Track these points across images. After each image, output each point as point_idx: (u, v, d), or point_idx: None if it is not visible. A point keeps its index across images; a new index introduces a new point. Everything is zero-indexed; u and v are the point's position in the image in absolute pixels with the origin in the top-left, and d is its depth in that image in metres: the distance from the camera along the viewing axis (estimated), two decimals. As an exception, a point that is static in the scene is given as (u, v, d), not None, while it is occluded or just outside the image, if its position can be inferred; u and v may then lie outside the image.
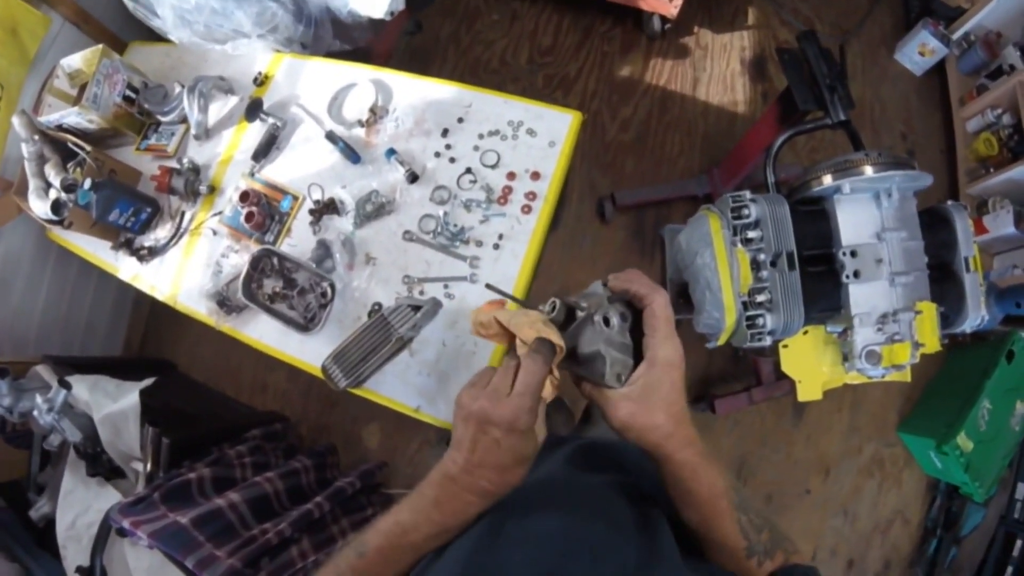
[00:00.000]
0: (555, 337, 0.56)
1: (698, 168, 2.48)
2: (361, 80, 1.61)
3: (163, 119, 1.68)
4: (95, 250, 1.64)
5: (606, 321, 0.57)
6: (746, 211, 1.28)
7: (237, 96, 1.70)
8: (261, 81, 1.69)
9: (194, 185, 1.59)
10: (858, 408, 2.30)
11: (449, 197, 1.45)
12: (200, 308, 1.51)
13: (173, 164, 1.61)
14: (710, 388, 2.26)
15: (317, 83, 1.65)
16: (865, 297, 1.29)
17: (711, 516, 0.59)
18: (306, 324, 1.40)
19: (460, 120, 1.52)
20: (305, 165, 1.58)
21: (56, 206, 1.50)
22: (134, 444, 1.47)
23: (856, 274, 1.27)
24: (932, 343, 1.30)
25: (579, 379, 0.60)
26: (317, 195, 1.52)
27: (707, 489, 0.58)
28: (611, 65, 2.66)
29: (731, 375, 2.29)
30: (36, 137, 1.51)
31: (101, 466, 1.48)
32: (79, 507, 1.41)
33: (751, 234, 1.28)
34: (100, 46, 1.57)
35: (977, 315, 1.35)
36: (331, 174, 1.55)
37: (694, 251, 1.34)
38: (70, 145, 1.54)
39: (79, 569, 1.35)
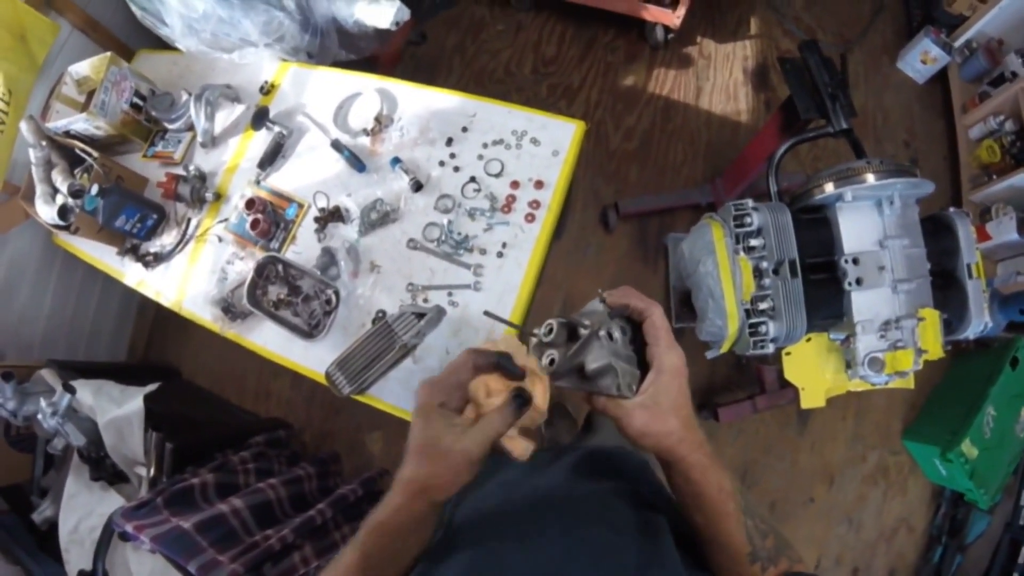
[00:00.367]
0: (535, 379, 0.58)
1: (701, 177, 2.49)
2: (366, 89, 1.62)
3: (170, 126, 1.70)
4: (101, 255, 1.66)
5: (610, 336, 0.59)
6: (748, 219, 1.29)
7: (243, 104, 1.71)
8: (267, 90, 1.71)
9: (200, 192, 1.61)
10: (862, 416, 2.29)
11: (453, 206, 1.46)
12: (205, 314, 1.52)
13: (179, 171, 1.63)
14: (714, 396, 2.25)
15: (323, 92, 1.67)
16: (868, 304, 1.30)
17: (718, 518, 0.59)
18: (310, 331, 1.41)
19: (464, 129, 1.53)
20: (310, 173, 1.59)
21: (63, 211, 1.52)
22: (138, 449, 1.48)
23: (858, 281, 1.28)
24: (935, 350, 1.31)
25: (589, 394, 0.61)
26: (322, 203, 1.53)
27: (715, 490, 0.59)
28: (615, 75, 2.68)
29: (735, 383, 2.29)
30: (44, 143, 1.53)
31: (104, 470, 1.48)
32: (82, 511, 1.42)
33: (753, 242, 1.29)
34: (108, 53, 1.59)
35: (980, 321, 1.36)
36: (336, 182, 1.56)
37: (697, 259, 1.35)
38: (77, 151, 1.56)
39: (81, 573, 1.35)
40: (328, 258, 1.47)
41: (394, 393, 1.35)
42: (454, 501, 0.80)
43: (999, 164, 2.21)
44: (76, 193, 1.51)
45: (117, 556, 1.36)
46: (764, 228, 1.29)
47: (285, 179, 1.61)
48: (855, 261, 1.29)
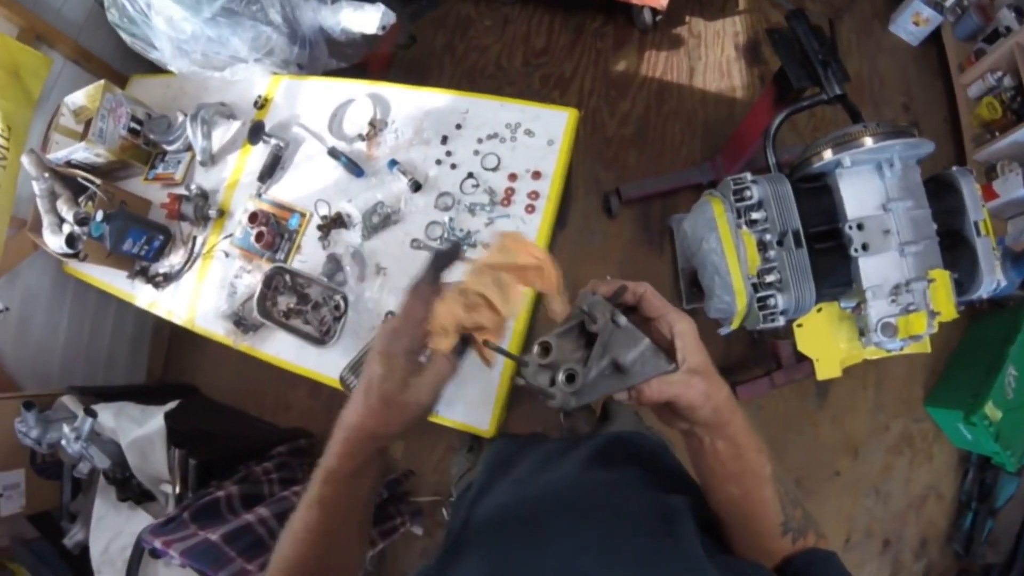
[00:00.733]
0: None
1: (701, 156, 2.47)
2: (358, 95, 1.63)
3: (169, 148, 1.72)
4: (111, 280, 1.68)
5: (626, 320, 0.57)
6: (748, 193, 1.28)
7: (239, 120, 1.73)
8: (261, 104, 1.73)
9: (203, 210, 1.63)
10: (882, 385, 2.27)
11: (453, 203, 1.47)
12: (218, 329, 1.53)
13: (182, 191, 1.65)
14: (731, 375, 2.24)
15: (316, 101, 1.68)
16: (876, 269, 1.29)
17: (757, 483, 0.58)
18: (322, 337, 1.42)
19: (458, 126, 1.54)
20: (310, 182, 1.60)
21: (70, 240, 1.54)
22: (162, 467, 1.50)
23: (864, 247, 1.27)
24: (948, 311, 1.29)
25: (629, 389, 0.56)
26: (324, 211, 1.55)
27: (756, 452, 0.57)
28: (606, 61, 2.67)
29: (751, 360, 2.27)
30: (46, 174, 1.55)
31: (131, 490, 1.50)
32: (111, 532, 1.44)
33: (755, 215, 1.28)
34: (102, 81, 1.61)
35: (992, 279, 1.34)
36: (336, 189, 1.57)
37: (699, 237, 1.34)
38: (80, 180, 1.58)
39: (115, 593, 1.38)
40: (334, 264, 1.48)
41: (408, 393, 1.35)
42: (470, 500, 0.81)
43: (1001, 121, 2.17)
44: (82, 221, 1.53)
45: (148, 573, 1.38)
46: (765, 200, 1.28)
47: (286, 190, 1.62)
48: (859, 227, 1.28)
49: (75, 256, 1.56)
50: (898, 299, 1.30)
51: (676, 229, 2.23)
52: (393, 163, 1.51)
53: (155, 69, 1.81)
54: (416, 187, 1.49)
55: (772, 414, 2.24)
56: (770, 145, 1.46)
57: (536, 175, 1.44)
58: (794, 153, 2.02)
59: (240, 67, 1.71)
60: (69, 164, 1.63)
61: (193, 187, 1.64)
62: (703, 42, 2.66)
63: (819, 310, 1.42)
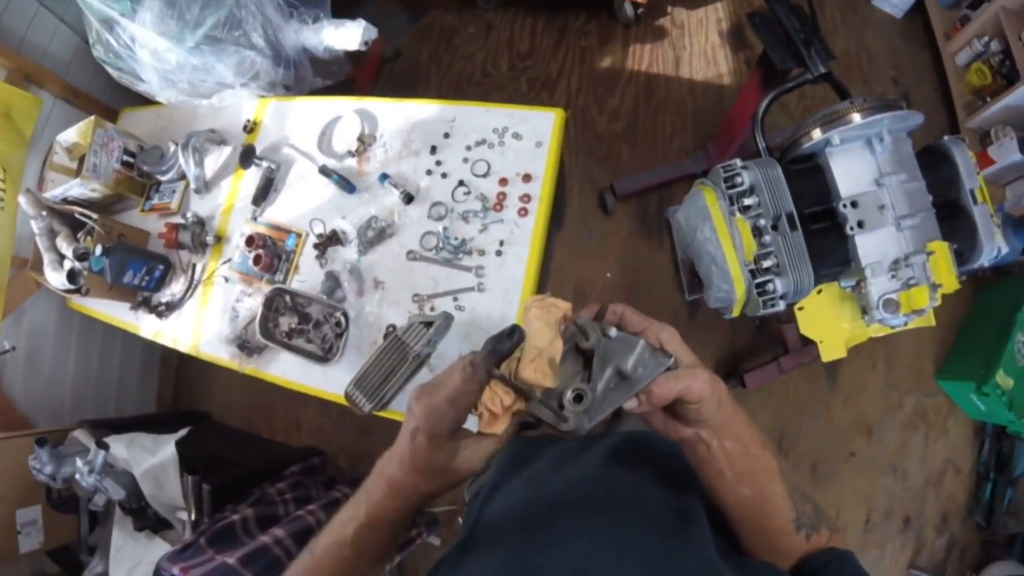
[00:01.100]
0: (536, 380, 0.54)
1: (693, 146, 2.47)
2: (345, 112, 1.64)
3: (162, 178, 1.73)
4: (115, 313, 1.70)
5: (612, 331, 0.57)
6: (739, 179, 1.28)
7: (230, 146, 1.74)
8: (250, 128, 1.74)
9: (201, 237, 1.64)
10: (892, 362, 2.25)
11: (446, 212, 1.47)
12: (223, 354, 1.54)
13: (178, 220, 1.66)
14: (738, 364, 2.23)
15: (304, 121, 1.69)
16: (873, 246, 1.28)
17: (767, 479, 0.57)
18: (325, 355, 1.43)
19: (446, 135, 1.54)
20: (304, 202, 1.61)
21: (72, 275, 1.56)
22: (176, 494, 1.51)
23: (860, 224, 1.26)
24: (950, 282, 1.28)
25: (637, 394, 0.56)
26: (319, 229, 1.56)
27: (760, 447, 0.57)
28: (591, 59, 2.67)
29: (757, 348, 2.26)
30: (44, 213, 1.57)
31: (147, 519, 1.51)
32: (131, 562, 1.45)
33: (747, 201, 1.28)
34: (92, 117, 1.63)
35: (992, 247, 1.33)
36: (330, 207, 1.58)
37: (694, 227, 1.34)
38: (77, 215, 1.60)
39: (139, 623, 1.39)
40: (332, 282, 1.49)
41: (415, 404, 1.36)
42: (482, 500, 0.80)
43: (991, 86, 2.16)
44: (82, 256, 1.54)
45: (171, 601, 1.39)
46: (756, 185, 1.28)
47: (280, 211, 1.63)
48: (854, 204, 1.27)
49: (77, 291, 1.58)
50: (898, 274, 1.29)
51: (673, 221, 2.23)
52: (384, 177, 1.51)
53: (144, 101, 1.83)
54: (408, 199, 1.50)
55: (783, 400, 2.23)
56: (758, 129, 1.46)
57: (527, 178, 1.45)
58: (787, 136, 2.02)
59: (227, 93, 1.72)
60: (66, 201, 1.65)
61: (189, 215, 1.65)
62: (687, 31, 2.66)
63: (819, 292, 1.42)
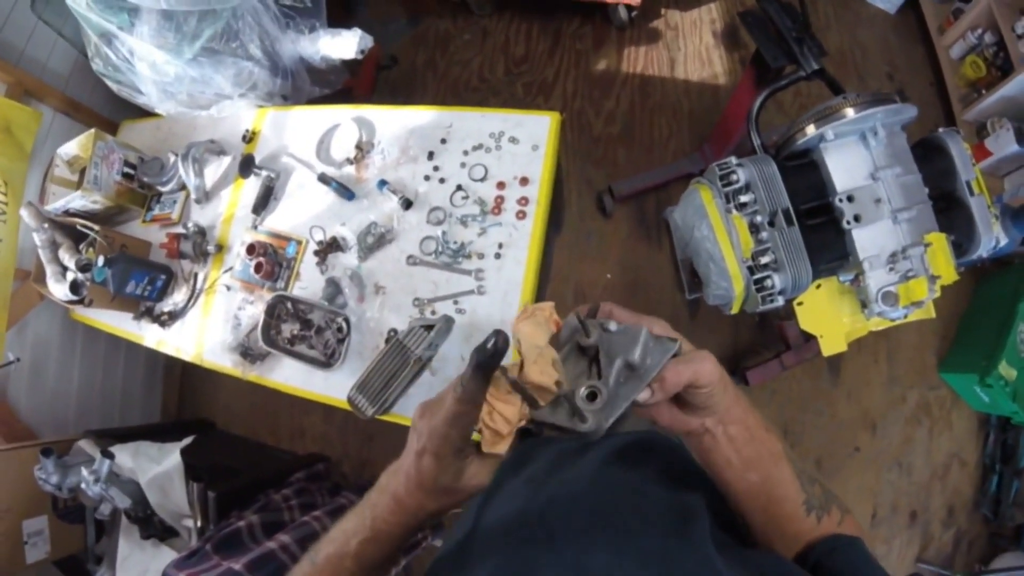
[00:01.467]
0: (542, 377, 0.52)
1: (689, 147, 2.48)
2: (343, 120, 1.65)
3: (163, 189, 1.75)
4: (118, 323, 1.71)
5: (611, 325, 0.57)
6: (734, 176, 1.29)
7: (229, 155, 1.76)
8: (249, 138, 1.75)
9: (202, 246, 1.65)
10: (894, 356, 2.25)
11: (445, 216, 1.48)
12: (225, 362, 1.55)
13: (179, 230, 1.68)
14: (740, 361, 2.23)
15: (302, 130, 1.71)
16: (870, 240, 1.28)
17: (774, 466, 0.57)
18: (327, 360, 1.44)
19: (443, 141, 1.56)
20: (303, 210, 1.63)
21: (75, 287, 1.57)
22: (182, 502, 1.51)
23: (857, 218, 1.27)
24: (948, 273, 1.29)
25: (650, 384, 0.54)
26: (319, 236, 1.57)
27: (765, 431, 0.58)
28: (587, 62, 2.68)
29: (759, 344, 2.26)
30: (45, 225, 1.58)
31: (154, 528, 1.52)
32: (138, 570, 1.46)
33: (744, 198, 1.28)
34: (93, 130, 1.64)
35: (990, 238, 1.33)
36: (329, 214, 1.59)
37: (691, 226, 1.35)
38: (79, 227, 1.61)
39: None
40: (333, 288, 1.50)
41: (417, 408, 1.36)
42: (480, 500, 0.80)
43: (986, 78, 2.16)
44: (84, 267, 1.56)
45: (178, 609, 1.39)
46: (752, 182, 1.29)
47: (280, 220, 1.64)
48: (850, 199, 1.28)
49: (80, 302, 1.59)
50: (896, 267, 1.29)
51: (671, 221, 2.23)
52: (383, 183, 1.52)
53: (144, 113, 1.85)
54: (407, 205, 1.51)
55: (786, 397, 2.23)
56: (753, 127, 1.47)
57: (524, 181, 1.46)
58: (782, 133, 2.03)
59: (226, 104, 1.74)
60: (67, 213, 1.66)
61: (190, 225, 1.67)
62: (681, 33, 2.67)
63: (818, 286, 1.42)
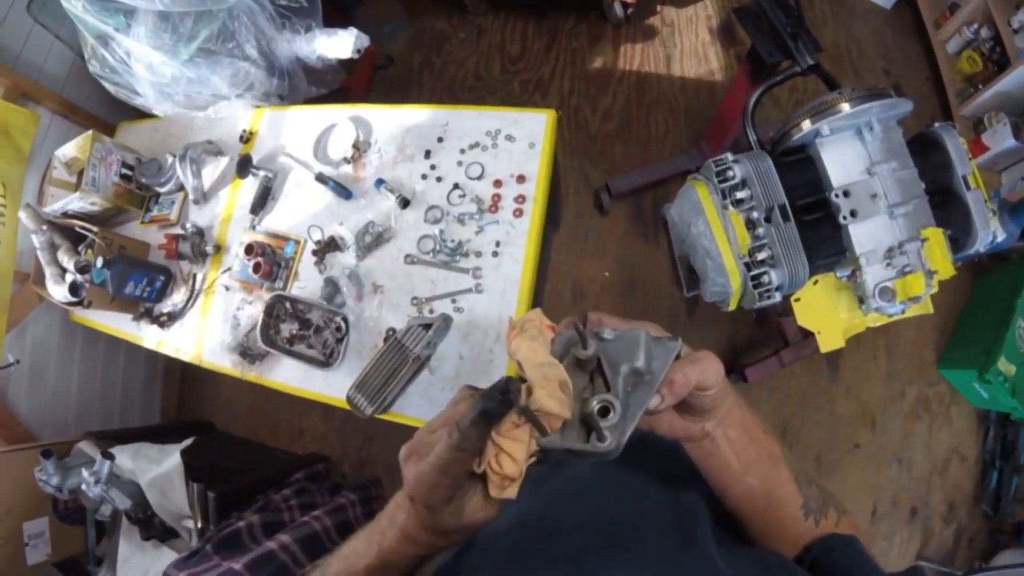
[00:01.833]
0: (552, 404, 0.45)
1: (686, 143, 2.48)
2: (340, 119, 1.65)
3: (161, 190, 1.75)
4: (118, 324, 1.71)
5: (607, 332, 0.53)
6: (730, 173, 1.29)
7: (227, 156, 1.76)
8: (247, 138, 1.75)
9: (200, 247, 1.65)
10: (893, 352, 2.25)
11: (442, 215, 1.48)
12: (225, 362, 1.56)
13: (178, 231, 1.68)
14: (739, 358, 2.23)
15: (299, 130, 1.71)
16: (867, 235, 1.29)
17: (772, 468, 0.57)
18: (326, 360, 1.44)
19: (440, 140, 1.56)
20: (301, 209, 1.63)
21: (74, 288, 1.57)
22: (182, 503, 1.52)
23: (853, 214, 1.27)
24: (945, 268, 1.29)
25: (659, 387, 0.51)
26: (317, 236, 1.57)
27: (763, 433, 0.57)
28: (583, 60, 2.69)
29: (758, 342, 2.26)
30: (44, 227, 1.58)
31: (154, 529, 1.52)
32: (138, 571, 1.46)
33: (740, 194, 1.29)
34: (90, 132, 1.64)
35: (987, 232, 1.33)
36: (327, 213, 1.59)
37: (687, 222, 1.35)
38: (78, 229, 1.61)
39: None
40: (332, 287, 1.50)
41: (416, 407, 1.37)
42: None
43: (982, 73, 2.17)
44: (83, 269, 1.56)
45: (179, 609, 1.39)
46: (748, 178, 1.29)
47: (278, 219, 1.64)
48: (846, 194, 1.28)
49: (80, 304, 1.59)
50: (893, 262, 1.29)
51: (668, 217, 2.24)
52: (380, 182, 1.53)
53: (141, 114, 1.84)
54: (404, 203, 1.51)
55: (786, 394, 2.23)
56: (749, 123, 1.47)
57: (521, 179, 1.46)
58: (778, 129, 2.03)
59: (223, 104, 1.74)
60: (66, 215, 1.66)
61: (188, 226, 1.67)
62: (677, 29, 2.67)
63: (815, 282, 1.42)
